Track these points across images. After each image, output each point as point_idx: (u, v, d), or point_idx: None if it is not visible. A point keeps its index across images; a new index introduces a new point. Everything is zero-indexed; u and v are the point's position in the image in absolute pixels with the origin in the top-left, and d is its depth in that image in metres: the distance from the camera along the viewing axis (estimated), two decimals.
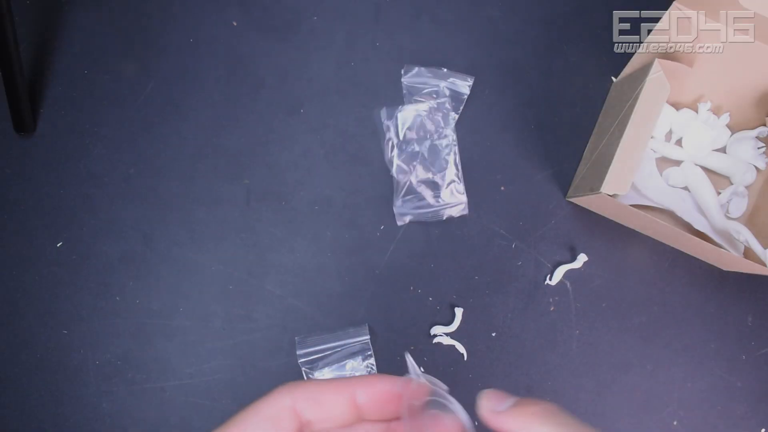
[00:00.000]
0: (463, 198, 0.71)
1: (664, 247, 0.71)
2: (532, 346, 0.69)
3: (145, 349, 0.68)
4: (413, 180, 0.70)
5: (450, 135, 0.71)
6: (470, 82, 0.73)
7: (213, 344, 0.68)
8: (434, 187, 0.71)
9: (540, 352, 0.69)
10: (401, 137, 0.71)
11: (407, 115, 0.71)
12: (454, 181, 0.71)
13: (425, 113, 0.71)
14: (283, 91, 0.74)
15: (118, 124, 0.72)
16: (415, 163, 0.70)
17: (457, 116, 0.73)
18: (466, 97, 0.73)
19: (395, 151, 0.71)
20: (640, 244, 0.72)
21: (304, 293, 0.69)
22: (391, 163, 0.70)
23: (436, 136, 0.71)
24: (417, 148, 0.71)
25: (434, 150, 0.71)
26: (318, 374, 0.66)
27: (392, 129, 0.71)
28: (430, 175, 0.71)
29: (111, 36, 0.75)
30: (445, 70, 0.73)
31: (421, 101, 0.72)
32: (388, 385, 0.23)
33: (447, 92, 0.73)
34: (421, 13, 0.76)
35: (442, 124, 0.71)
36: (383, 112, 0.71)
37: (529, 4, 0.77)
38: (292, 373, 0.67)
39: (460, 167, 0.71)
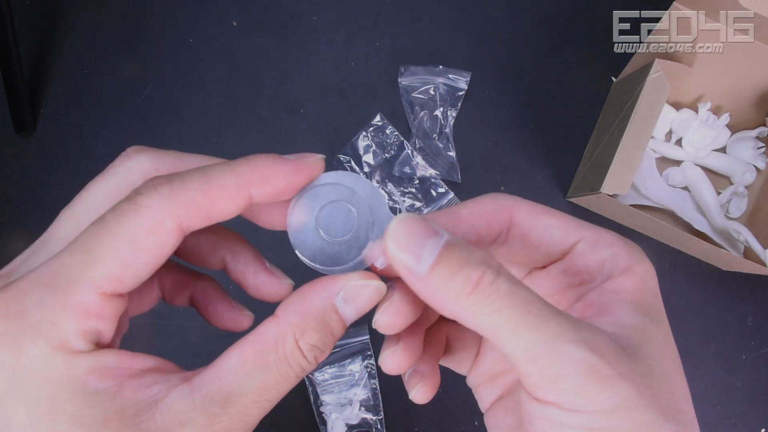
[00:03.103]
0: (449, 193, 0.70)
1: (664, 247, 0.71)
2: None
3: (145, 349, 0.67)
4: (400, 204, 0.70)
5: (396, 141, 0.70)
6: (467, 77, 0.73)
7: (213, 344, 0.68)
8: (418, 196, 0.71)
9: None
10: (365, 169, 0.71)
11: (360, 145, 0.71)
12: (431, 181, 0.71)
13: (371, 134, 0.71)
14: (283, 91, 0.74)
15: (118, 124, 0.72)
16: (389, 185, 0.70)
17: (456, 112, 0.73)
18: (463, 92, 0.73)
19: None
20: (640, 244, 0.71)
21: None
22: None
23: (389, 149, 0.71)
24: (382, 171, 0.70)
25: (391, 163, 0.70)
26: (318, 374, 0.66)
27: (356, 167, 0.71)
28: (406, 188, 0.71)
29: (111, 36, 0.74)
30: (441, 67, 0.73)
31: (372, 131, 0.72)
32: (282, 168, 0.20)
33: (443, 89, 0.73)
34: (421, 13, 0.76)
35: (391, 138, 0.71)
36: (339, 158, 0.71)
37: (529, 4, 0.77)
38: None
39: (427, 166, 0.71)
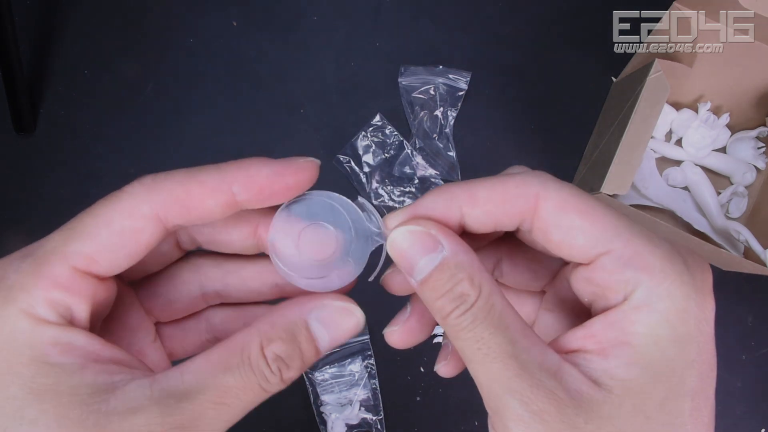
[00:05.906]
0: None
1: None
2: None
3: None
4: (396, 202, 0.70)
5: (396, 141, 0.70)
6: (467, 77, 0.73)
7: None
8: (417, 196, 0.71)
9: None
10: (365, 169, 0.71)
11: (359, 145, 0.71)
12: (431, 181, 0.71)
13: (371, 133, 0.71)
14: (283, 91, 0.74)
15: (118, 124, 0.72)
16: (389, 185, 0.70)
17: (456, 112, 0.73)
18: (463, 92, 0.73)
19: (367, 183, 0.70)
20: None
21: None
22: (370, 196, 0.70)
23: (389, 149, 0.71)
24: (381, 171, 0.71)
25: (391, 163, 0.71)
26: (318, 374, 0.66)
27: (355, 167, 0.71)
28: (405, 188, 0.71)
29: (111, 36, 0.74)
30: (441, 67, 0.73)
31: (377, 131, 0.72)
32: (265, 168, 0.19)
33: (443, 89, 0.73)
34: (421, 13, 0.76)
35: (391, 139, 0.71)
36: (339, 158, 0.71)
37: (528, 4, 0.77)
38: None
39: (427, 166, 0.71)
